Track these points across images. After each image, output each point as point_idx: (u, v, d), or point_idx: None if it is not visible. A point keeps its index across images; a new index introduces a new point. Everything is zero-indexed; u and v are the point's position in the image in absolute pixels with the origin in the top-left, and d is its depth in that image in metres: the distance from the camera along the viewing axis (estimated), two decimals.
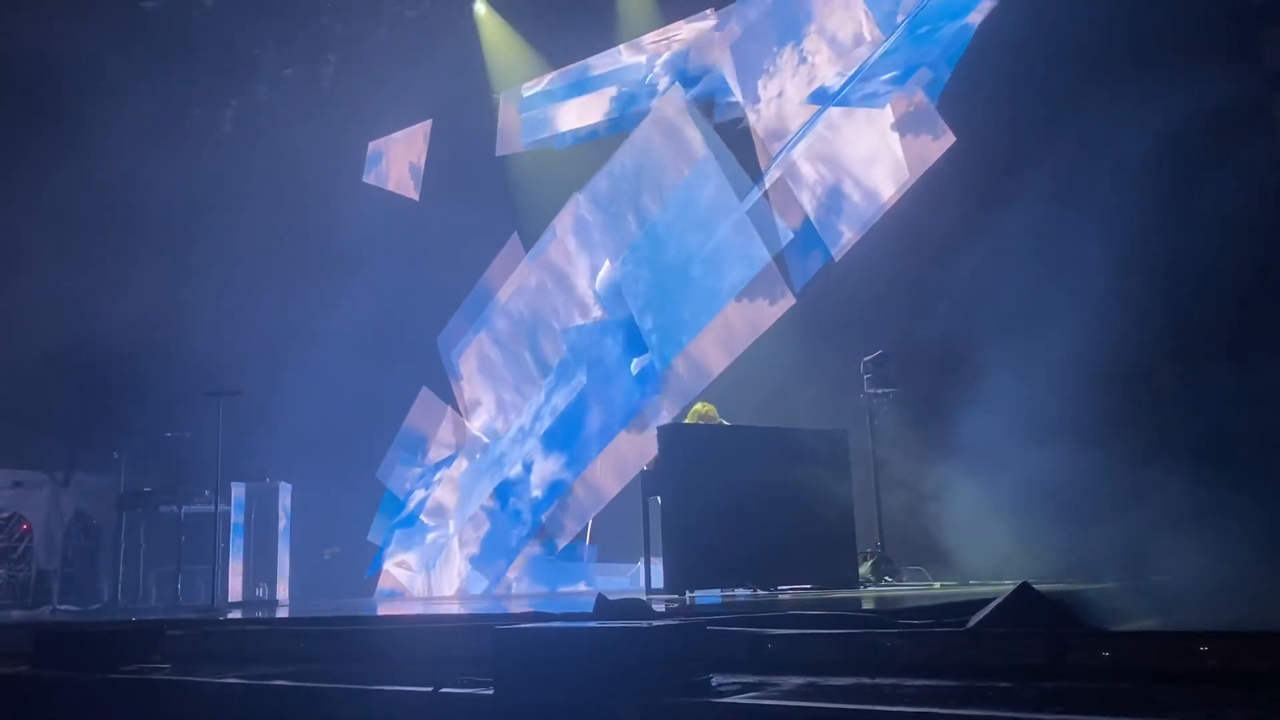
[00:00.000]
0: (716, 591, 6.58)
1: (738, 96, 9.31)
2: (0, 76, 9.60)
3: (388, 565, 11.08)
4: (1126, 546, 5.81)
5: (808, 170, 8.78)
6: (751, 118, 9.19)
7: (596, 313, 10.02)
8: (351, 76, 11.14)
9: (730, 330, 9.09)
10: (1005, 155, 7.58)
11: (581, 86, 10.59)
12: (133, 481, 9.26)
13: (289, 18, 10.45)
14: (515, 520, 10.36)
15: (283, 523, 9.58)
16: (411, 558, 11.05)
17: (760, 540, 6.55)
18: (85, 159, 9.69)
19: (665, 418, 9.16)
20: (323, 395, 10.17)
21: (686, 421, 7.64)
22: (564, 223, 10.38)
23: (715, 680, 2.72)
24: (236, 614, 7.52)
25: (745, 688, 2.68)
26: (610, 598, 4.33)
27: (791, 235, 8.78)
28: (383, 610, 7.12)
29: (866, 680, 2.77)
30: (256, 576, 9.44)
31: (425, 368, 11.06)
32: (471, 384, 11.00)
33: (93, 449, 9.84)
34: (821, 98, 8.74)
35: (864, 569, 7.24)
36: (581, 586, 9.61)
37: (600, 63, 10.44)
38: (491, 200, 10.71)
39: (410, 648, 4.00)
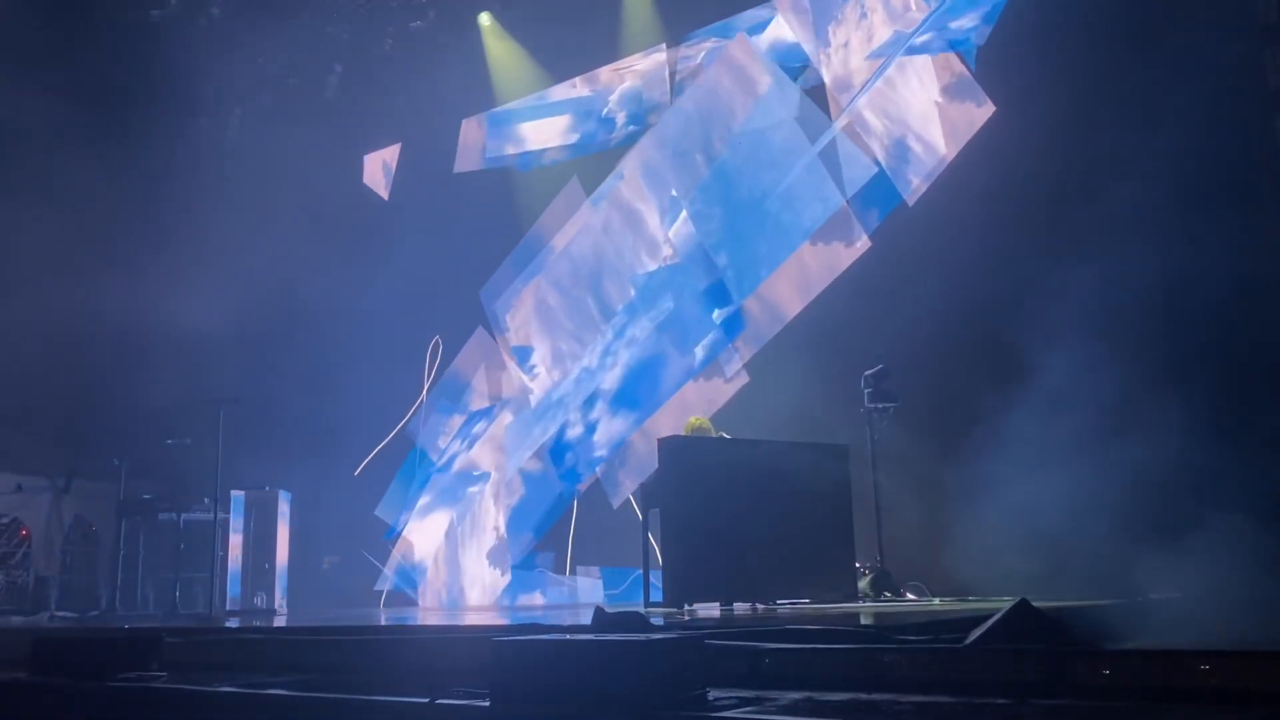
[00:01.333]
0: (715, 605, 6.57)
1: (807, 48, 9.17)
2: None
3: (408, 533, 10.80)
4: (1127, 564, 5.81)
5: (874, 121, 8.71)
6: (820, 68, 9.10)
7: (667, 252, 9.65)
8: (357, 86, 11.19)
9: (805, 272, 8.86)
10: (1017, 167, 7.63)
11: (544, 110, 10.74)
12: (132, 488, 9.25)
13: (294, 27, 10.50)
14: (570, 479, 9.98)
15: (282, 531, 9.57)
16: (439, 521, 10.70)
17: (759, 554, 6.54)
18: (88, 167, 9.74)
19: (737, 364, 8.90)
20: (323, 403, 10.19)
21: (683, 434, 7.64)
22: (631, 164, 10.07)
23: (712, 694, 2.71)
24: (234, 622, 7.51)
25: (742, 702, 2.68)
26: (609, 610, 4.33)
27: (866, 178, 8.63)
28: (380, 620, 7.11)
29: (864, 696, 2.77)
30: (255, 585, 9.42)
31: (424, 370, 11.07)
32: (522, 333, 10.54)
33: (93, 455, 9.84)
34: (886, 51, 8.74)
35: (863, 584, 7.23)
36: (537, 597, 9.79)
37: (561, 91, 10.68)
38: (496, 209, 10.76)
39: (407, 658, 3.99)
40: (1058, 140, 7.33)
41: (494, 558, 10.46)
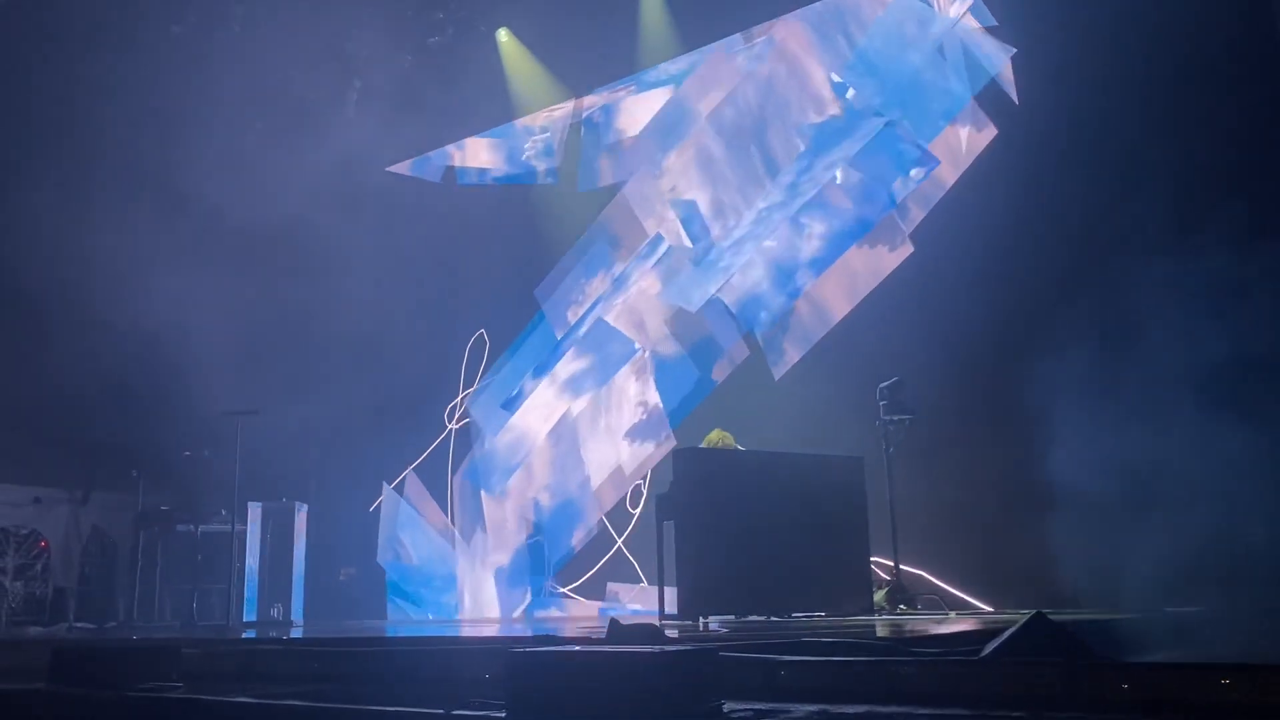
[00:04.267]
0: (730, 617, 6.56)
1: None
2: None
3: (521, 416, 10.27)
4: (1146, 577, 5.77)
5: None
6: None
7: (834, 110, 8.97)
8: (376, 101, 11.26)
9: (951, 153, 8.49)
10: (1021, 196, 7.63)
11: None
12: (150, 500, 9.31)
13: (313, 43, 10.58)
14: (709, 355, 9.39)
15: (298, 543, 9.61)
16: (556, 405, 10.16)
17: (775, 567, 6.54)
18: (110, 176, 9.83)
19: (904, 232, 8.43)
20: (340, 415, 10.21)
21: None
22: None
23: (727, 707, 2.71)
24: (251, 634, 7.53)
25: (757, 715, 2.67)
26: (623, 622, 4.33)
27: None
28: (396, 631, 7.13)
29: (879, 709, 2.76)
30: (272, 596, 9.46)
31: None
32: (681, 186, 9.73)
33: (111, 467, 9.91)
34: None
35: (879, 597, 7.21)
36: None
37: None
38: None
39: (423, 669, 4.00)
40: (1083, 145, 7.30)
41: (641, 431, 9.67)
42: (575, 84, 10.66)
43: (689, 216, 9.63)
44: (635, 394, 9.83)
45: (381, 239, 10.61)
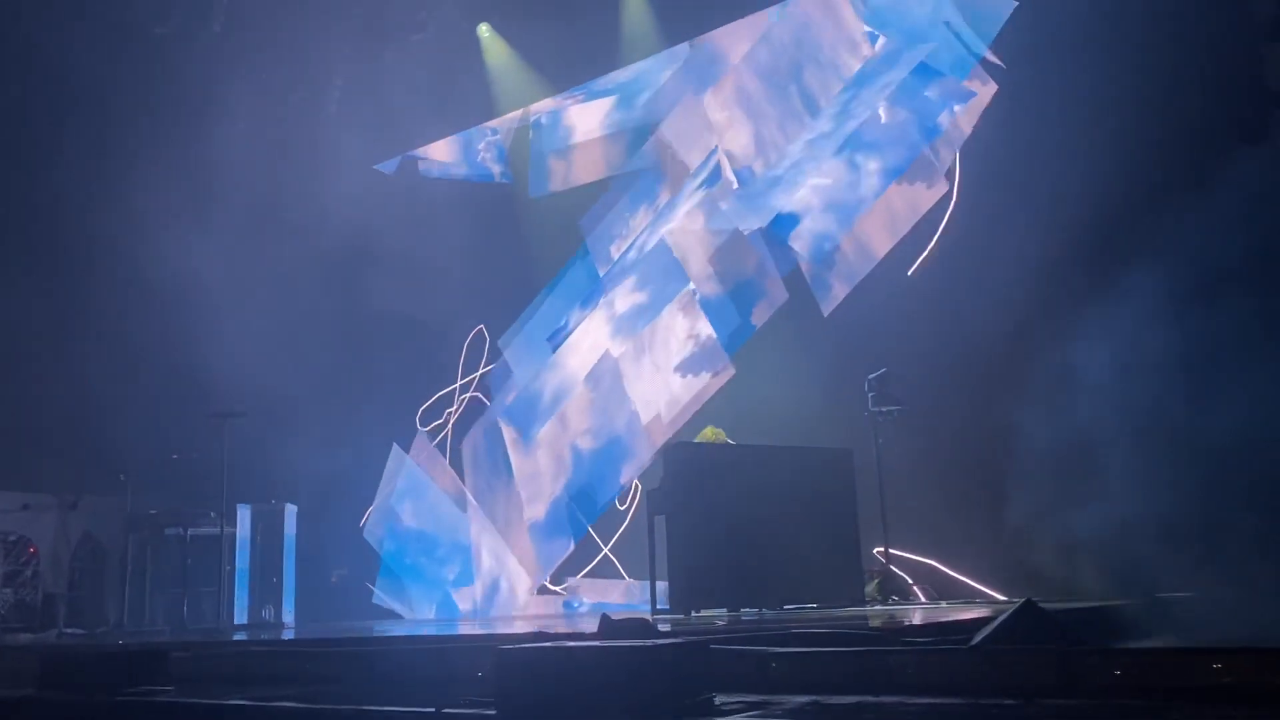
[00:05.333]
0: (722, 611, 6.56)
1: None
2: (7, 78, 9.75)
3: (563, 353, 9.95)
4: (1133, 564, 5.80)
5: None
6: None
7: (866, 51, 8.88)
8: (357, 99, 11.21)
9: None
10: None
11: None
12: (139, 504, 9.26)
13: (294, 42, 10.52)
14: (765, 266, 9.14)
15: (288, 545, 9.56)
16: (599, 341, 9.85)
17: (765, 559, 6.55)
18: (90, 182, 9.77)
19: (940, 169, 8.34)
20: (328, 417, 10.17)
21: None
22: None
23: (719, 699, 2.71)
24: (242, 636, 7.51)
25: (748, 706, 2.67)
26: (614, 617, 4.33)
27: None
28: (386, 632, 7.11)
29: (870, 699, 2.76)
30: (262, 599, 9.42)
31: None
32: (721, 122, 9.55)
33: (99, 471, 9.85)
34: None
35: (870, 588, 7.22)
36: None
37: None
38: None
39: (414, 669, 3.99)
40: (1073, 136, 7.28)
41: (695, 363, 9.36)
42: (557, 79, 10.63)
43: (731, 151, 9.49)
44: (684, 329, 9.52)
45: (365, 238, 10.56)
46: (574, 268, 10.38)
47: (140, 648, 5.09)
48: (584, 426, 9.94)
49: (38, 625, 9.25)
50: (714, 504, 6.56)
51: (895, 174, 8.63)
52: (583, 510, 9.80)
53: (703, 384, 9.29)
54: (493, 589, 10.14)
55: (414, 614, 10.30)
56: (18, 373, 9.36)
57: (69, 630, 8.97)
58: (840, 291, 8.67)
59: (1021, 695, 2.68)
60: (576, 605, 9.54)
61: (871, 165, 8.79)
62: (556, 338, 10.28)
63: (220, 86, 10.04)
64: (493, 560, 10.17)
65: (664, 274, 9.72)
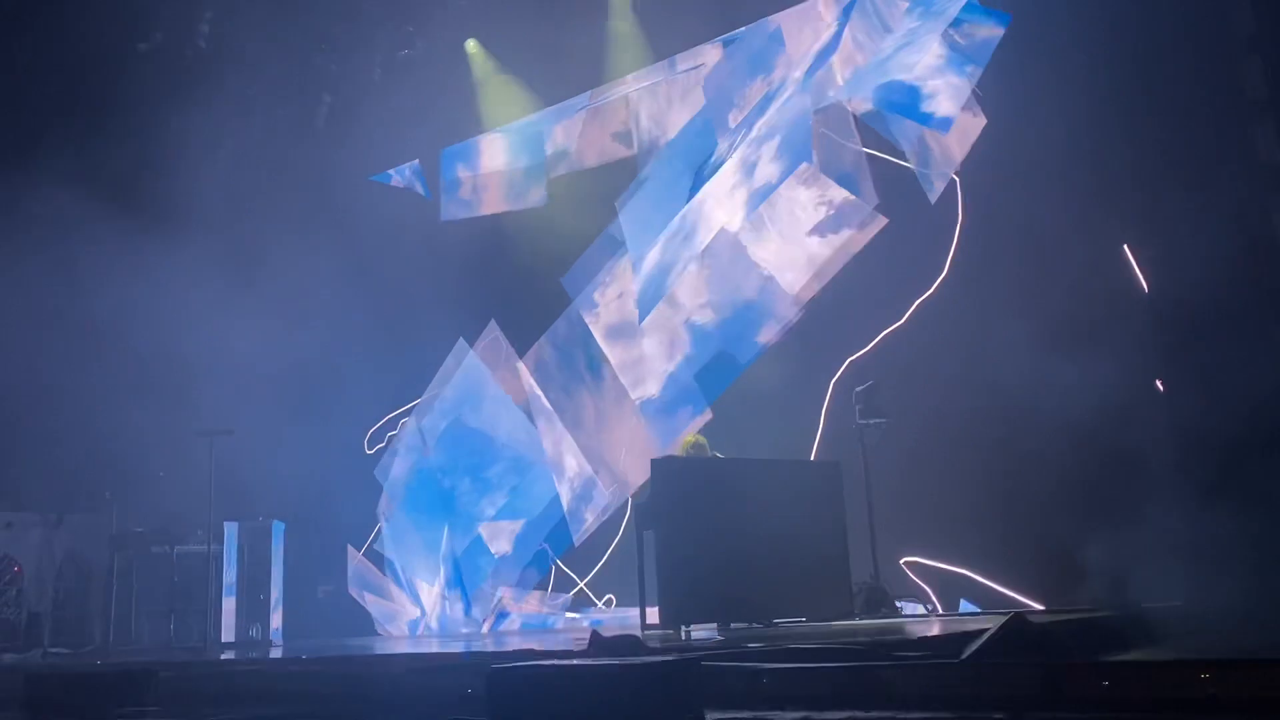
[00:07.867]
0: (712, 626, 6.55)
1: None
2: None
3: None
4: (1123, 575, 5.82)
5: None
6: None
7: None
8: (346, 115, 11.22)
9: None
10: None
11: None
12: (124, 522, 9.21)
13: (283, 57, 10.53)
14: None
15: (276, 562, 9.50)
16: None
17: (755, 574, 6.53)
18: (76, 198, 9.74)
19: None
20: (314, 432, 10.14)
21: (678, 454, 7.63)
22: None
23: (710, 716, 2.71)
24: (230, 655, 7.46)
25: None
26: (605, 634, 4.32)
27: None
28: (376, 650, 7.08)
29: (860, 713, 2.76)
30: (250, 617, 9.35)
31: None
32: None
33: (84, 488, 9.79)
34: None
35: (859, 601, 7.22)
36: None
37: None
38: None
39: (405, 687, 3.97)
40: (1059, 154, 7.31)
41: (832, 223, 8.72)
42: (545, 94, 10.66)
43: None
44: (809, 197, 8.84)
45: (352, 254, 10.56)
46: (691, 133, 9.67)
47: (127, 667, 5.05)
48: (702, 300, 9.33)
49: (22, 645, 9.17)
50: (703, 519, 6.54)
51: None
52: (718, 375, 9.13)
53: (846, 238, 8.66)
54: (589, 484, 9.70)
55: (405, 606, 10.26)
56: None
57: (54, 650, 8.90)
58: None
59: (1011, 708, 2.68)
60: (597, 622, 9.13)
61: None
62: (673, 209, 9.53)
63: (203, 101, 10.04)
64: (577, 464, 9.75)
65: (780, 148, 9.02)
